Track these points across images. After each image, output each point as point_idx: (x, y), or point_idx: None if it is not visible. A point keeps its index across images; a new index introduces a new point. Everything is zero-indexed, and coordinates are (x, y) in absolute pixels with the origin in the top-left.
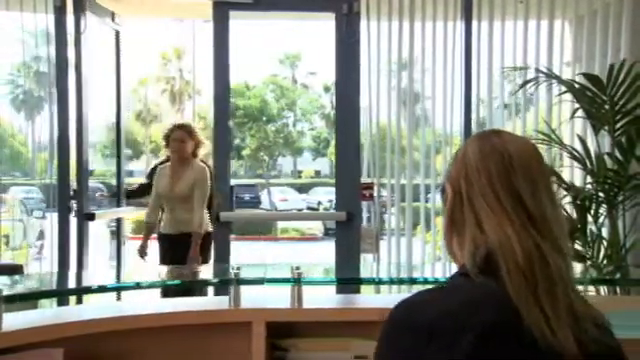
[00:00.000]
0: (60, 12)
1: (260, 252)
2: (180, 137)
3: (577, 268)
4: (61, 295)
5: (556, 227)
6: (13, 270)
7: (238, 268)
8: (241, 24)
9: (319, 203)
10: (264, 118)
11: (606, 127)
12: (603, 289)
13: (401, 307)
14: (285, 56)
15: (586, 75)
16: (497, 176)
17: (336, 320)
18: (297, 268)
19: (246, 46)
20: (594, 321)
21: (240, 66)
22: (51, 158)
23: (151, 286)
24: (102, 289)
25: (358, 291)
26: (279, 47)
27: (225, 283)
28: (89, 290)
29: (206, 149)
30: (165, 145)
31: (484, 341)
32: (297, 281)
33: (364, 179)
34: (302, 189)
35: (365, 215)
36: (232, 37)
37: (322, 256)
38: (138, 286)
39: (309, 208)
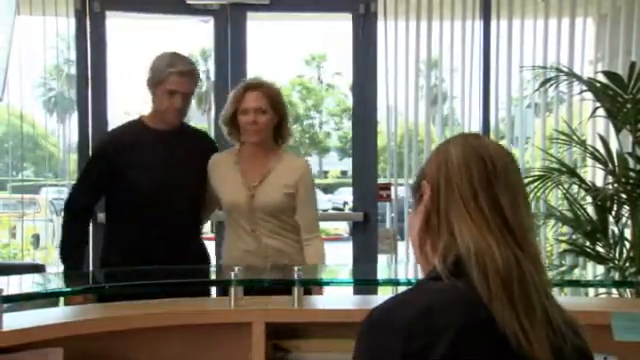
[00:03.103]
0: (81, 15)
1: None
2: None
3: (599, 270)
4: (57, 295)
5: (531, 237)
6: (36, 269)
7: (238, 269)
8: (267, 26)
9: (345, 203)
10: (290, 119)
11: (628, 126)
12: (626, 291)
13: (377, 310)
14: (311, 57)
15: (607, 73)
16: (479, 182)
17: (337, 321)
18: (299, 269)
19: (273, 47)
20: (571, 326)
21: (267, 67)
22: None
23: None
24: (93, 290)
25: (375, 292)
26: (305, 48)
27: (225, 284)
28: (77, 292)
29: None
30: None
31: (459, 341)
32: (297, 282)
33: (387, 179)
34: (328, 189)
35: (390, 216)
36: (259, 39)
37: (346, 256)
38: (131, 287)
39: (335, 208)
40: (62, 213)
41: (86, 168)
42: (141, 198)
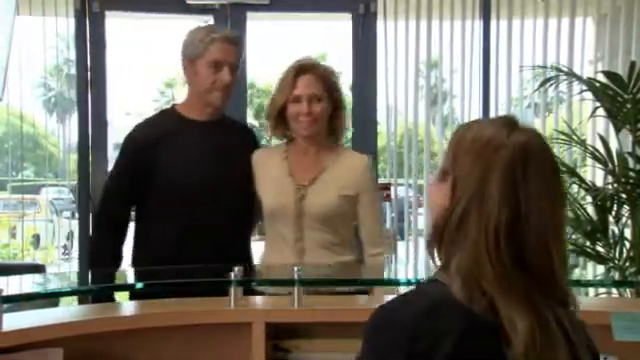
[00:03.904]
0: (81, 15)
1: None
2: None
3: (599, 270)
4: (57, 296)
5: (559, 276)
6: (36, 270)
7: (238, 269)
8: (268, 25)
9: None
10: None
11: (628, 126)
12: (626, 291)
13: (383, 309)
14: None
15: (606, 73)
16: (507, 224)
17: (337, 321)
18: (298, 269)
19: (273, 47)
20: (581, 328)
21: (267, 67)
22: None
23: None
24: (94, 291)
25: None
26: (305, 48)
27: (225, 284)
28: (79, 292)
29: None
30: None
31: (462, 344)
32: (297, 282)
33: (387, 179)
34: None
35: (390, 216)
36: (259, 39)
37: None
38: (133, 288)
39: None
40: (62, 213)
41: (117, 169)
42: (181, 196)
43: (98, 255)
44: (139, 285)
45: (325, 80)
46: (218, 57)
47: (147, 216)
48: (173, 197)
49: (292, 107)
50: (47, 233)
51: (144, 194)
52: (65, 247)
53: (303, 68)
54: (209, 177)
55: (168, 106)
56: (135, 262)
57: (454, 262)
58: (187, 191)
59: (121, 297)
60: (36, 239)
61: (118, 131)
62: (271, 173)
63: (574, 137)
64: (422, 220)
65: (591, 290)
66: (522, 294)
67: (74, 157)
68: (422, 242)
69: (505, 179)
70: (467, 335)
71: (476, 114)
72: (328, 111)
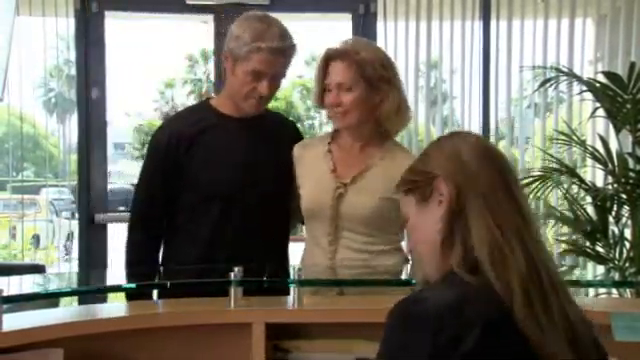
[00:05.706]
0: (80, 15)
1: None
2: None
3: (599, 270)
4: (57, 296)
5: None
6: (36, 270)
7: (238, 269)
8: None
9: None
10: (291, 119)
11: (628, 126)
12: (626, 291)
13: (407, 301)
14: (311, 57)
15: (606, 73)
16: (496, 178)
17: (337, 321)
18: (299, 270)
19: None
20: (583, 319)
21: None
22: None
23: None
24: (91, 291)
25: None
26: (305, 48)
27: (226, 284)
28: (80, 292)
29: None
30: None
31: (484, 337)
32: (297, 282)
33: None
34: None
35: None
36: None
37: None
38: (130, 289)
39: None
40: (62, 214)
41: (148, 170)
42: (215, 196)
43: (139, 265)
44: (131, 285)
45: (359, 66)
46: (260, 68)
47: (179, 216)
48: (207, 196)
49: (325, 97)
50: (47, 233)
51: (176, 193)
52: (65, 247)
53: (332, 54)
54: (246, 176)
55: (197, 102)
56: (165, 264)
57: (475, 233)
58: (222, 190)
59: (119, 298)
60: (36, 239)
61: (118, 131)
62: (312, 168)
63: (574, 137)
64: None
65: (591, 290)
66: (540, 296)
67: (74, 157)
68: None
69: (476, 151)
70: (489, 328)
71: (476, 114)
72: (366, 100)
